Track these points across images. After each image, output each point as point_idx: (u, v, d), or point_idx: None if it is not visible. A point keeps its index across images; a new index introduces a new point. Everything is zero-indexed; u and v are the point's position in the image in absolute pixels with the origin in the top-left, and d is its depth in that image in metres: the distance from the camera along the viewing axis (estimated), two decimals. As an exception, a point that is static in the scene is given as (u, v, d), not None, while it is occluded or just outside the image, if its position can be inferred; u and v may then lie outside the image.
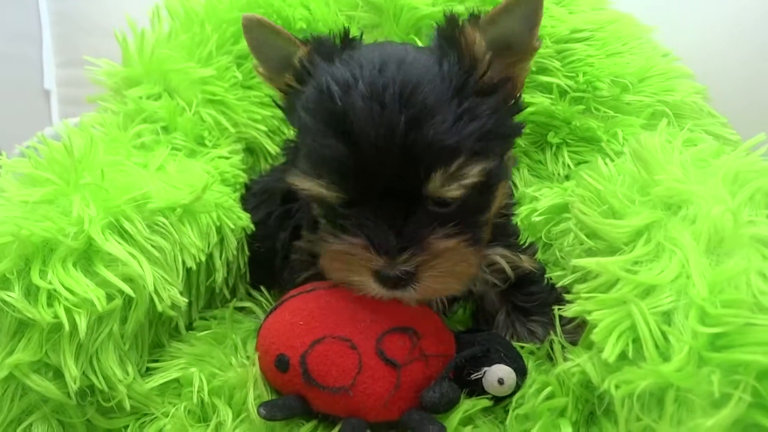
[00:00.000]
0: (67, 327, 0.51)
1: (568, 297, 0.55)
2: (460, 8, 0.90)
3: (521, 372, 0.59)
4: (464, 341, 0.61)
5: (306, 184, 0.56)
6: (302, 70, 0.61)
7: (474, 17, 0.58)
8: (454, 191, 0.54)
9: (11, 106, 1.25)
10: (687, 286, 0.48)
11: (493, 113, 0.56)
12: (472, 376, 0.57)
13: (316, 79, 0.58)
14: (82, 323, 0.52)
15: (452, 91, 0.54)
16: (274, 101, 0.70)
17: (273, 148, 0.95)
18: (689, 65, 0.92)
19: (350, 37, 0.63)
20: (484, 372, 0.57)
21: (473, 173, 0.54)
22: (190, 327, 0.73)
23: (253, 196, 0.87)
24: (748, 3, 1.01)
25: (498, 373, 0.56)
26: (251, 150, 0.95)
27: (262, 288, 0.81)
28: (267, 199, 0.85)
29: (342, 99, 0.53)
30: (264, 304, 0.78)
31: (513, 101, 0.62)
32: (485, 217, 0.62)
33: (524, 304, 0.71)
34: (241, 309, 0.78)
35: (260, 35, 0.63)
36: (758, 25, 0.99)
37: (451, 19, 0.58)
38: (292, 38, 0.62)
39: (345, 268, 0.58)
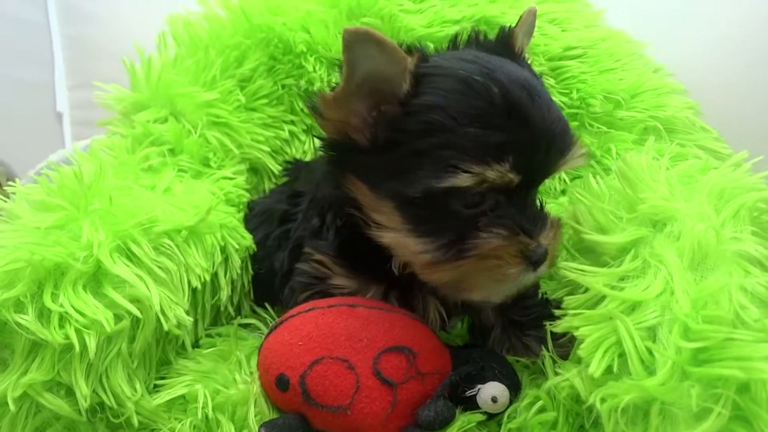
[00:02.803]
0: (77, 347, 0.54)
1: (557, 312, 0.57)
2: (455, 29, 0.92)
3: (515, 388, 0.60)
4: (460, 357, 0.63)
5: (489, 173, 0.55)
6: (420, 73, 0.57)
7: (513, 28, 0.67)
8: (582, 161, 0.61)
9: (25, 128, 1.29)
10: (671, 302, 0.50)
11: None
12: (466, 393, 0.59)
13: (449, 75, 0.57)
14: (91, 344, 0.54)
15: None
16: (330, 143, 0.64)
17: (276, 168, 0.98)
18: (682, 79, 0.94)
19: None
20: (478, 389, 0.59)
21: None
22: (196, 344, 0.75)
23: (253, 217, 0.89)
24: (740, 18, 1.02)
25: (491, 392, 0.58)
26: (255, 170, 0.98)
27: (267, 305, 0.84)
28: (266, 220, 0.87)
29: (496, 87, 0.55)
30: (268, 321, 0.80)
31: None
32: None
33: (520, 318, 0.72)
34: (245, 326, 0.81)
35: (365, 51, 0.55)
36: (750, 40, 1.00)
37: (506, 30, 0.67)
38: (397, 49, 0.57)
39: (498, 263, 0.58)
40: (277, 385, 0.58)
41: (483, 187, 0.56)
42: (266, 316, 0.82)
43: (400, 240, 0.61)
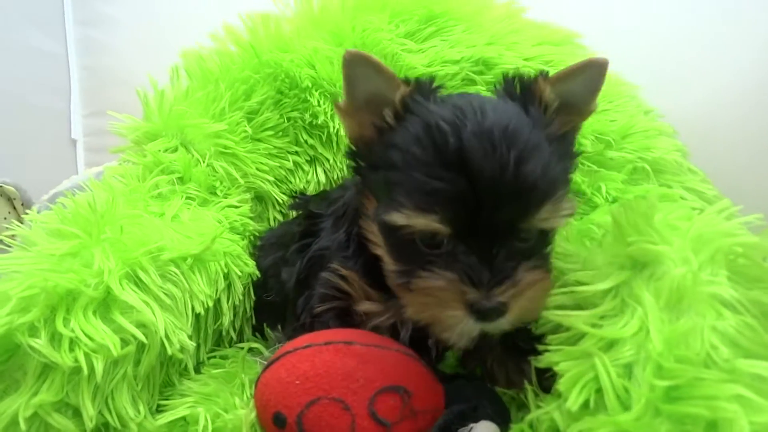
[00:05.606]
0: (85, 370, 0.57)
1: (539, 347, 0.60)
2: (454, 68, 0.97)
3: (506, 424, 0.63)
4: (452, 393, 0.65)
5: (417, 221, 0.58)
6: (403, 107, 0.63)
7: (544, 74, 0.65)
8: (555, 222, 0.60)
9: (41, 154, 1.34)
10: (646, 341, 0.52)
11: (568, 155, 0.64)
12: (458, 431, 0.60)
13: (422, 117, 0.60)
14: (99, 367, 0.57)
15: (543, 135, 0.60)
16: (350, 151, 0.70)
17: (280, 197, 1.01)
18: (674, 121, 0.97)
19: (435, 82, 0.67)
20: (471, 429, 0.60)
21: (568, 206, 0.60)
22: (200, 365, 0.78)
23: (262, 248, 0.93)
24: (741, 69, 1.07)
25: None
26: (260, 198, 1.01)
27: (267, 329, 0.87)
28: (278, 244, 0.90)
29: (454, 137, 0.56)
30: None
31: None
32: (549, 248, 0.66)
33: (522, 345, 0.71)
34: (249, 349, 0.83)
35: (360, 71, 0.63)
36: (750, 91, 1.04)
37: (521, 75, 0.66)
38: (393, 76, 0.64)
39: (436, 304, 0.59)
40: (274, 422, 0.59)
41: (424, 232, 0.58)
42: (273, 336, 0.84)
43: (383, 255, 0.66)
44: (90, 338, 0.58)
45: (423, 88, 0.64)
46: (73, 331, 0.58)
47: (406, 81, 0.64)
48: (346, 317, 0.72)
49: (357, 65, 0.63)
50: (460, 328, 0.59)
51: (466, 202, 0.56)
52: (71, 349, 0.57)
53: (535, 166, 0.56)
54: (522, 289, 0.59)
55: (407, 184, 0.58)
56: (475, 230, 0.57)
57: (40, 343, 0.56)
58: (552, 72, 0.65)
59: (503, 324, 0.59)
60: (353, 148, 0.69)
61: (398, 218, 0.58)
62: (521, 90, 0.64)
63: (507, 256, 0.58)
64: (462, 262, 0.58)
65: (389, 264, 0.65)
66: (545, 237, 0.63)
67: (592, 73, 0.64)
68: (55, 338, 0.58)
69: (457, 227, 0.58)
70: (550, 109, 0.63)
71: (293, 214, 1.01)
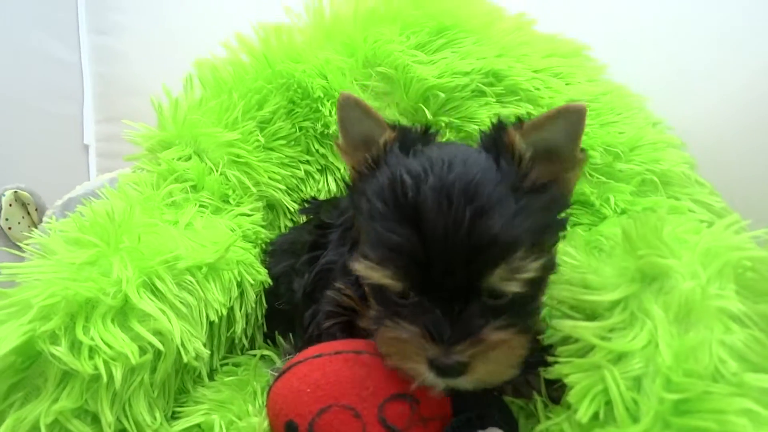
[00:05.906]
0: (105, 378, 0.58)
1: (550, 359, 0.61)
2: (464, 80, 0.98)
3: (514, 431, 0.63)
4: (460, 400, 0.64)
5: (372, 274, 0.58)
6: (382, 154, 0.64)
7: (519, 122, 0.63)
8: (512, 286, 0.57)
9: (54, 158, 1.36)
10: (655, 354, 0.53)
11: (544, 210, 0.61)
12: None
13: (391, 168, 0.61)
14: (118, 374, 0.59)
15: (509, 189, 0.57)
16: (344, 181, 0.73)
17: (291, 205, 1.02)
18: (681, 134, 0.98)
19: (429, 132, 0.68)
20: None
21: (531, 268, 0.57)
22: (210, 374, 0.79)
23: (274, 253, 0.94)
24: (747, 80, 1.08)
25: None
26: (271, 206, 1.02)
27: (279, 336, 0.88)
28: (289, 251, 0.91)
29: (413, 191, 0.56)
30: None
31: (561, 200, 0.65)
32: (535, 306, 0.64)
33: (530, 357, 0.70)
34: (261, 356, 0.85)
35: (352, 113, 0.66)
36: (756, 101, 1.05)
37: (498, 124, 0.64)
38: (381, 121, 0.66)
39: (399, 354, 0.59)
40: (286, 431, 0.60)
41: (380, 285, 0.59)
42: (285, 344, 0.86)
43: (367, 293, 0.67)
44: (109, 346, 0.59)
45: (407, 136, 0.65)
46: (92, 339, 0.59)
47: (393, 127, 0.66)
48: (353, 329, 0.74)
49: (350, 108, 0.66)
50: (422, 380, 0.58)
51: (418, 259, 0.55)
52: (91, 357, 0.59)
53: (493, 224, 0.55)
54: (484, 350, 0.56)
55: (371, 234, 0.59)
56: (433, 287, 0.57)
57: (61, 350, 0.58)
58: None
59: (465, 383, 0.58)
60: (351, 177, 0.71)
61: (359, 268, 0.59)
62: (494, 140, 0.62)
63: (476, 312, 0.57)
64: (427, 315, 0.57)
65: (371, 304, 0.66)
66: (526, 294, 0.59)
67: (571, 118, 0.61)
68: (75, 346, 0.59)
69: (411, 284, 0.57)
70: (525, 160, 0.60)
71: (304, 218, 1.02)
